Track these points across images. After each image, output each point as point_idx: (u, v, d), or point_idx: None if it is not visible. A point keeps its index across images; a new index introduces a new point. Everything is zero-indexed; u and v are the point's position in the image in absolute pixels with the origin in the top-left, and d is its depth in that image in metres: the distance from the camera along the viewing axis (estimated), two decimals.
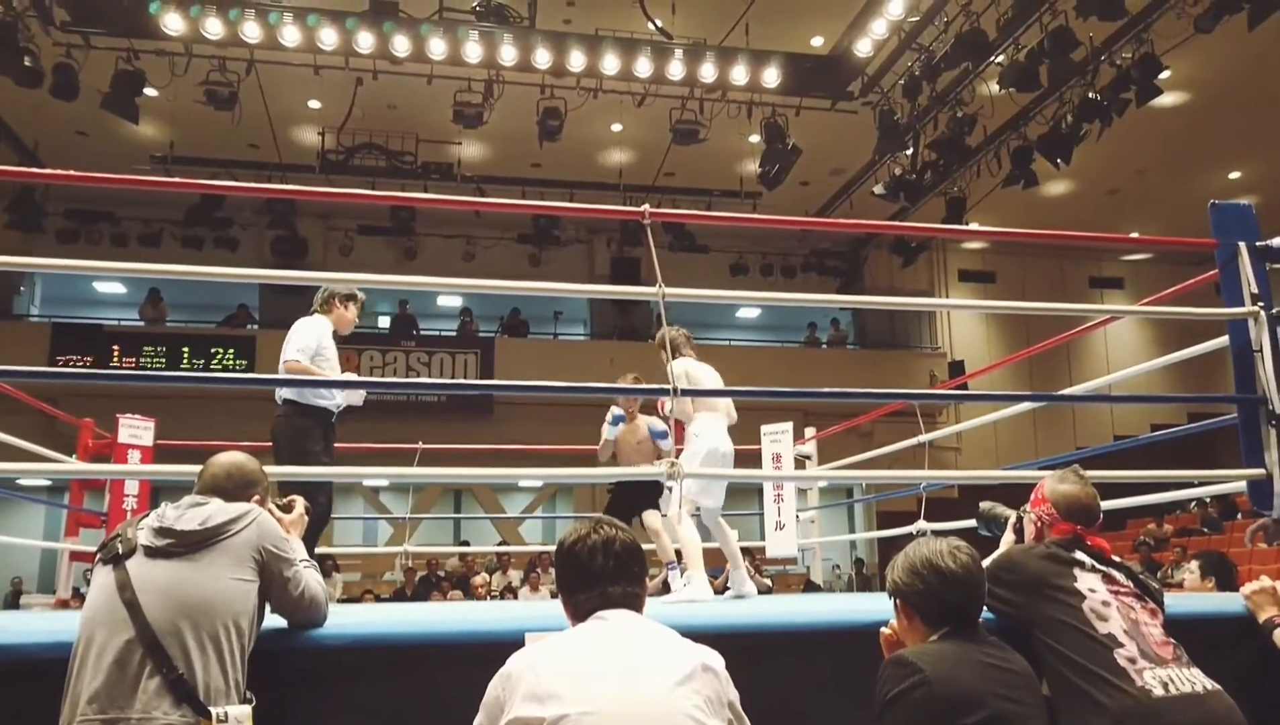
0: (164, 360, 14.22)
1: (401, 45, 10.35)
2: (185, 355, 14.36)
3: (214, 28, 10.12)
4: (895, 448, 6.67)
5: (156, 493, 7.88)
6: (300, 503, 2.58)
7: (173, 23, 10.09)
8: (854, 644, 2.40)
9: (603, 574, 1.91)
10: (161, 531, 2.05)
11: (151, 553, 2.02)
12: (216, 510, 2.13)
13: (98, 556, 2.08)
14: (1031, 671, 2.05)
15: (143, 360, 14.16)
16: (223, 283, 14.14)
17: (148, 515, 2.13)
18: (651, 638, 1.84)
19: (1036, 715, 1.94)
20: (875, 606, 2.77)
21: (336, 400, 4.58)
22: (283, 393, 4.52)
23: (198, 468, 2.37)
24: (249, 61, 11.07)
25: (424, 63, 10.90)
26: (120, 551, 2.02)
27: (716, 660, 1.84)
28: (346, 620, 2.39)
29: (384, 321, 16.93)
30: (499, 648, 1.86)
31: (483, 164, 14.46)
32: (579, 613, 1.91)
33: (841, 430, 7.73)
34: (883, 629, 2.22)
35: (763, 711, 1.92)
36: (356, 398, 4.75)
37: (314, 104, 12.92)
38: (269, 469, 2.47)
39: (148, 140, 13.40)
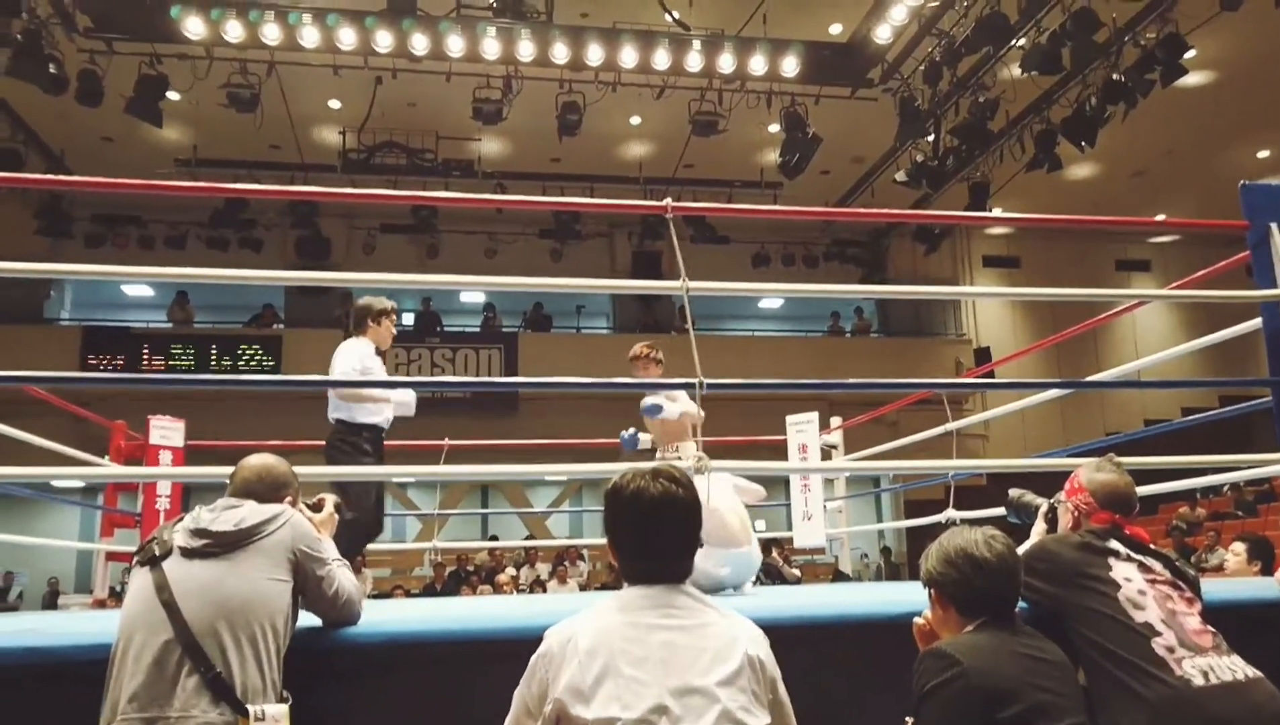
0: (192, 360, 14.39)
1: (420, 43, 10.38)
2: (213, 355, 14.51)
3: (234, 30, 10.20)
4: (922, 437, 6.62)
5: (188, 493, 7.98)
6: (330, 502, 2.59)
7: (193, 26, 10.18)
8: (888, 635, 2.39)
9: (656, 536, 1.85)
10: (197, 533, 2.08)
11: (188, 554, 2.05)
12: (250, 512, 2.15)
13: (135, 559, 2.11)
14: (1068, 662, 2.03)
15: (171, 361, 14.33)
16: (249, 284, 14.31)
17: (183, 518, 2.16)
18: (697, 623, 1.79)
19: (1074, 706, 1.91)
20: (906, 597, 2.75)
21: (385, 415, 4.73)
22: (334, 413, 4.66)
23: (228, 468, 2.40)
24: (269, 63, 11.15)
25: (443, 60, 10.94)
26: (157, 553, 2.05)
27: (761, 644, 1.82)
28: (379, 618, 2.40)
29: (408, 319, 17.03)
30: (530, 644, 1.85)
31: (503, 160, 14.50)
32: (626, 573, 1.88)
33: (867, 420, 7.68)
34: (915, 619, 2.20)
35: (800, 704, 1.91)
36: (407, 410, 4.88)
37: (334, 104, 13.01)
38: (304, 470, 2.49)
39: (172, 144, 13.54)
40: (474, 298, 17.46)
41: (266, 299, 15.87)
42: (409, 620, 2.45)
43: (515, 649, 1.89)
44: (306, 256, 14.90)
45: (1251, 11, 9.56)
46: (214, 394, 12.43)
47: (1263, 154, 14.69)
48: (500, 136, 13.66)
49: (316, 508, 2.54)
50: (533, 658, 1.80)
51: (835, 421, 7.50)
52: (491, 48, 10.55)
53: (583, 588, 11.18)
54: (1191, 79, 11.18)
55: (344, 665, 2.26)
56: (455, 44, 10.46)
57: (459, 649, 2.30)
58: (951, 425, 6.25)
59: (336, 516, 2.58)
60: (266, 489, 2.30)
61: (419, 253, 15.81)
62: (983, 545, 2.04)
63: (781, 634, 2.24)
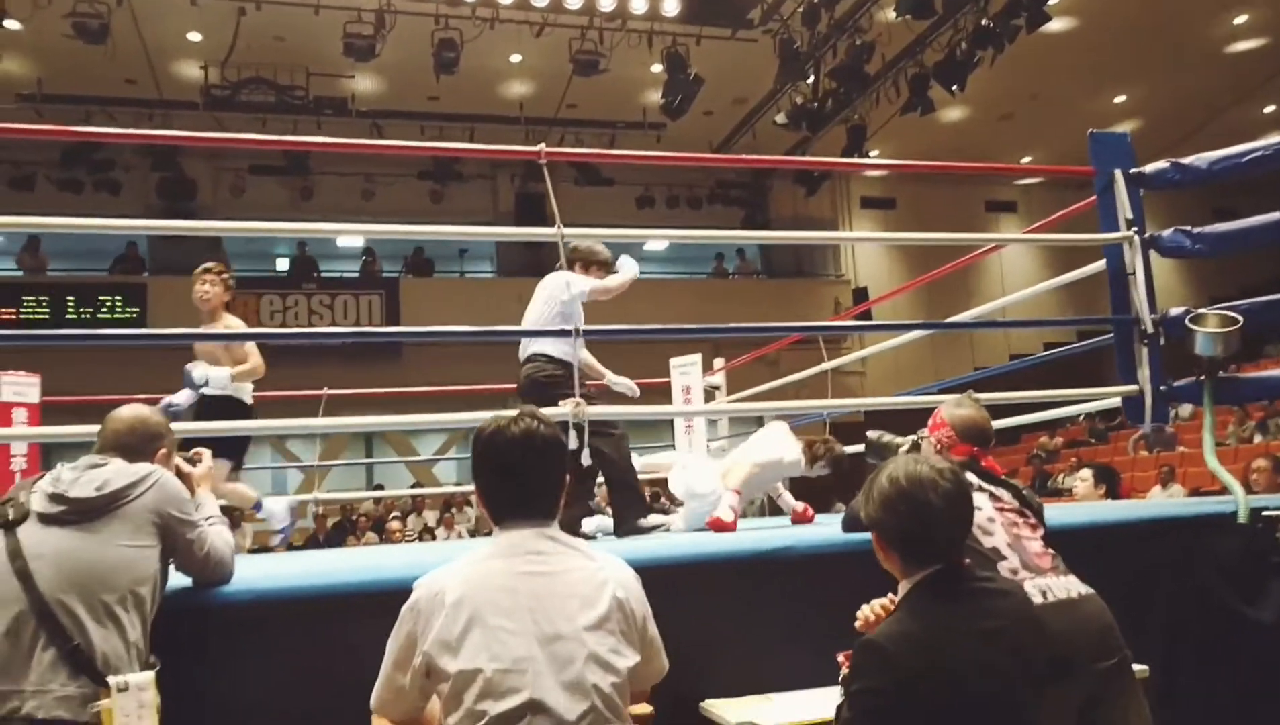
0: (48, 312, 13.53)
1: None
2: (70, 305, 13.66)
3: None
4: (802, 375, 6.84)
5: (48, 450, 7.57)
6: (207, 456, 2.50)
7: None
8: (761, 573, 2.48)
9: (518, 477, 1.84)
10: (55, 497, 1.98)
11: (45, 519, 1.95)
12: (115, 473, 2.05)
13: None
14: (1025, 605, 1.92)
15: (24, 313, 13.44)
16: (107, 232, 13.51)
17: (42, 477, 2.06)
18: (563, 568, 1.79)
19: (1024, 696, 1.78)
20: (785, 533, 2.86)
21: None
22: (539, 347, 4.18)
23: (90, 428, 2.28)
24: None
25: None
26: (11, 517, 1.95)
27: (629, 586, 1.83)
28: (250, 574, 2.36)
29: (283, 264, 16.40)
30: (402, 596, 1.83)
31: (378, 98, 13.98)
32: (494, 518, 1.88)
33: (749, 360, 7.86)
34: (861, 611, 2.04)
35: (676, 640, 1.97)
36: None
37: (194, 36, 12.24)
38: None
39: (14, 77, 12.57)
40: (352, 242, 16.90)
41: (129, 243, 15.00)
42: (278, 576, 2.41)
43: (387, 601, 1.88)
44: (169, 200, 14.12)
45: None
46: (72, 346, 11.74)
47: (1119, 99, 15.41)
48: (374, 74, 13.16)
49: (193, 462, 2.46)
50: (402, 609, 1.79)
51: (718, 362, 7.64)
52: None
53: (472, 533, 11.19)
54: (1055, 25, 11.59)
55: (214, 624, 2.22)
56: None
57: (329, 603, 2.28)
58: (829, 364, 6.49)
59: (214, 470, 2.49)
60: (139, 442, 2.20)
61: (292, 195, 15.18)
62: (929, 487, 1.82)
63: (658, 574, 2.31)
